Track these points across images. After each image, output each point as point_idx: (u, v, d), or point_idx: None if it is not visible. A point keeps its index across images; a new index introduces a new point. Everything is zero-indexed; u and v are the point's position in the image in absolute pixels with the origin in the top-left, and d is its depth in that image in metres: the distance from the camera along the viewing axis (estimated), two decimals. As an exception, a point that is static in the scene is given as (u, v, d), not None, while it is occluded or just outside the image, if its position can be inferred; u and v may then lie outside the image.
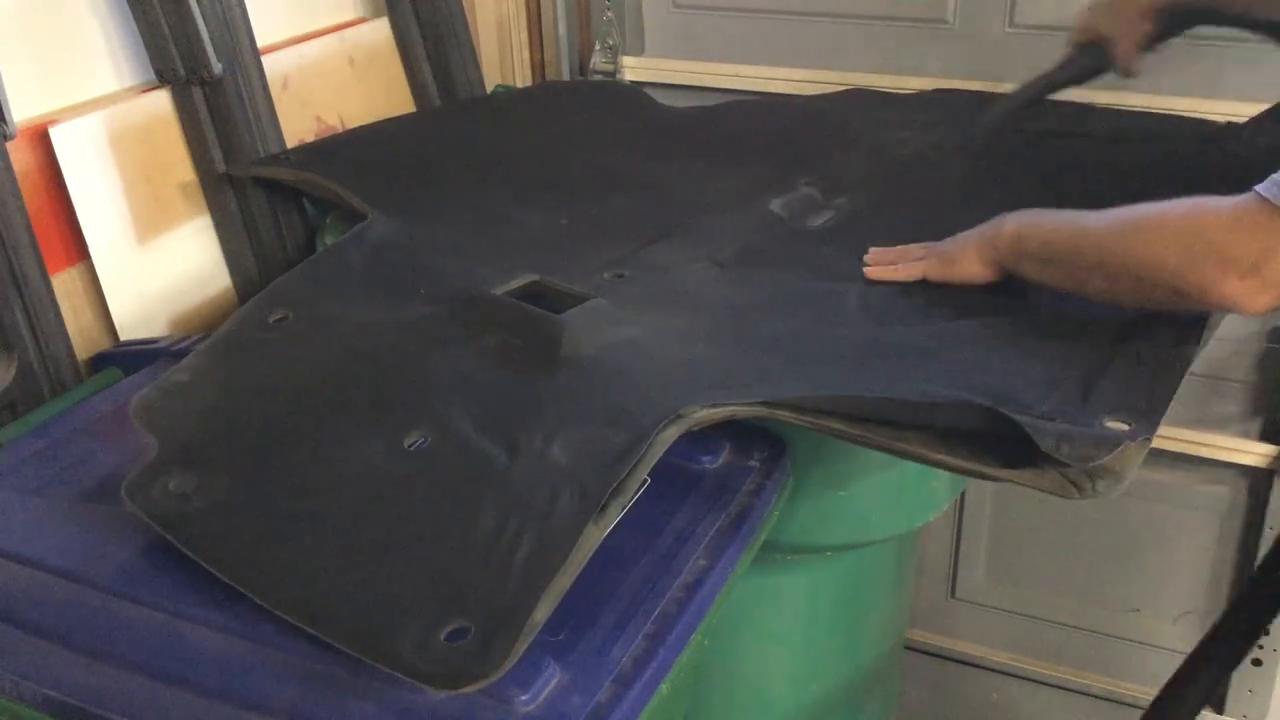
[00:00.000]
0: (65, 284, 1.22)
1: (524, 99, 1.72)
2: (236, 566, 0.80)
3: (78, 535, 0.89)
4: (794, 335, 1.04)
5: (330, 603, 0.77)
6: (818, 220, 1.28)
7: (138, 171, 1.30)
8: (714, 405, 0.89)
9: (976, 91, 1.57)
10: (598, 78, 1.85)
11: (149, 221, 1.31)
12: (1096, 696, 1.92)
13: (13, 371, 1.13)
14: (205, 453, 0.90)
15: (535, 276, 1.08)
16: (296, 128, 1.48)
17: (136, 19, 1.29)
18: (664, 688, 0.80)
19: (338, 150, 1.44)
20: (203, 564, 0.81)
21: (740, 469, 0.99)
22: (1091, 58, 1.35)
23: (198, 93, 1.33)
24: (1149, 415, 0.87)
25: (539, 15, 1.83)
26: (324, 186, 1.33)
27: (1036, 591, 1.95)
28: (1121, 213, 0.98)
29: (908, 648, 1.84)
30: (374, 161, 1.39)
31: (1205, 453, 1.69)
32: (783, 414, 0.89)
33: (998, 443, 0.84)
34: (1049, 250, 1.03)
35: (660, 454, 0.85)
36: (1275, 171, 0.89)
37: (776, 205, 1.30)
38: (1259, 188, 0.89)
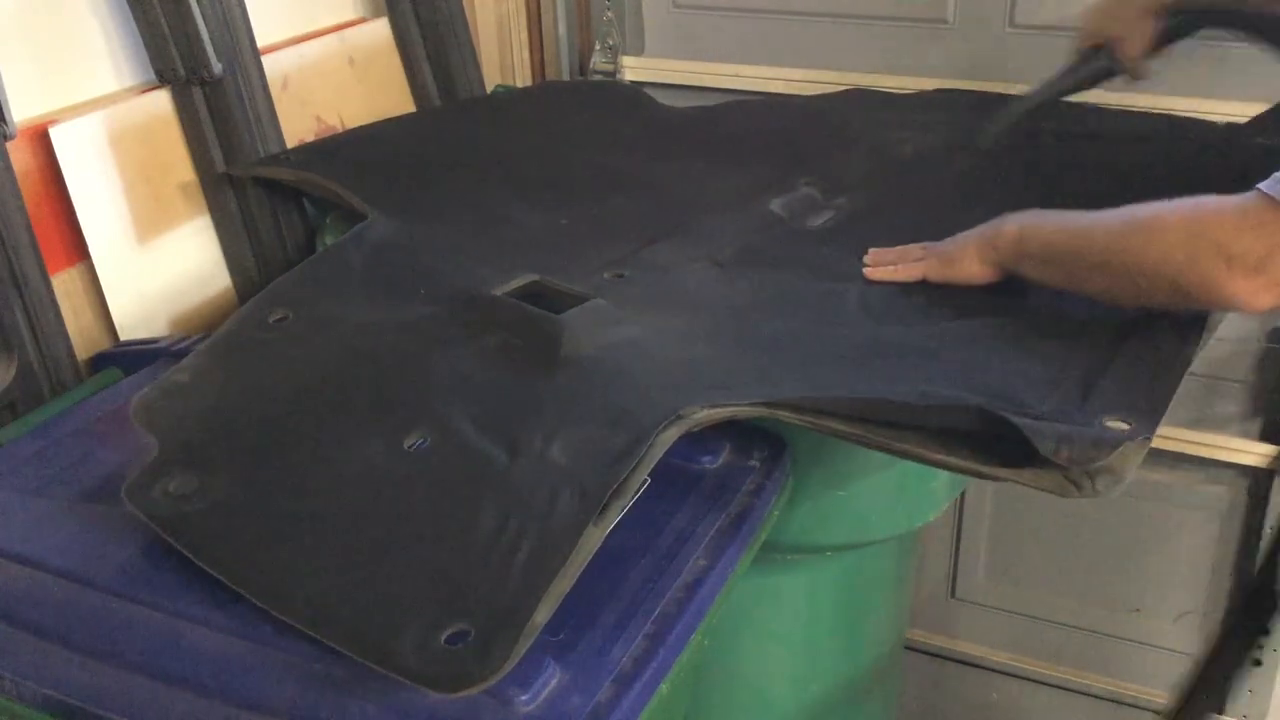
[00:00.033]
0: (65, 284, 1.22)
1: (524, 99, 1.72)
2: (236, 567, 0.80)
3: (78, 535, 0.89)
4: (794, 335, 1.04)
5: (330, 604, 0.77)
6: (818, 220, 1.28)
7: (138, 171, 1.29)
8: (714, 405, 0.89)
9: (976, 91, 1.57)
10: (598, 78, 1.85)
11: (149, 221, 1.31)
12: (1096, 696, 1.92)
13: (13, 371, 1.13)
14: (205, 453, 0.90)
15: (535, 276, 1.08)
16: (296, 128, 1.48)
17: (136, 19, 1.29)
18: (664, 688, 0.80)
19: (338, 150, 1.44)
20: (202, 565, 0.81)
21: (740, 469, 0.99)
22: (1097, 61, 1.34)
23: (198, 93, 1.33)
24: (1149, 415, 0.87)
25: (539, 15, 1.83)
26: (324, 186, 1.33)
27: (1036, 591, 1.95)
28: (1124, 212, 0.97)
29: (908, 648, 1.84)
30: (374, 161, 1.39)
31: (1205, 453, 1.69)
32: (783, 414, 0.89)
33: (997, 442, 0.84)
34: (1050, 250, 1.03)
35: (660, 454, 0.85)
36: (1277, 169, 0.89)
37: (776, 205, 1.30)
38: (1262, 185, 0.89)
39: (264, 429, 0.93)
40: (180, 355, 1.06)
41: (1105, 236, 0.98)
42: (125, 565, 0.85)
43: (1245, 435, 1.68)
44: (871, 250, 1.16)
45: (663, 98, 1.67)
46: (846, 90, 1.65)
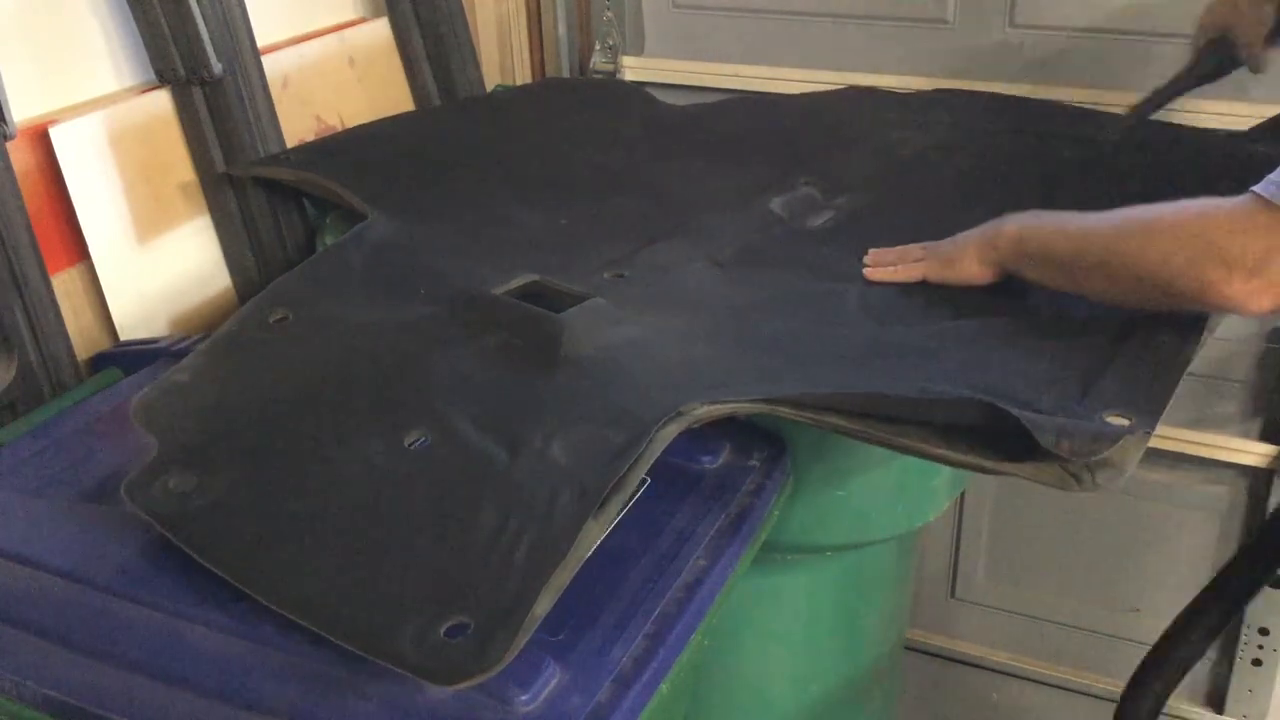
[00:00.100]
0: (65, 284, 1.22)
1: (524, 97, 1.72)
2: (237, 565, 0.80)
3: (78, 535, 0.89)
4: (794, 335, 1.04)
5: (330, 600, 0.77)
6: (818, 220, 1.28)
7: (138, 171, 1.30)
8: (714, 402, 0.89)
9: (976, 91, 1.57)
10: (598, 78, 1.85)
11: (149, 221, 1.31)
12: (1096, 696, 1.92)
13: (13, 371, 1.13)
14: (205, 453, 0.90)
15: (535, 276, 1.08)
16: (296, 128, 1.48)
17: (136, 19, 1.29)
18: (664, 688, 0.80)
19: (338, 150, 1.44)
20: (203, 563, 0.81)
21: (740, 469, 0.99)
22: (1217, 55, 1.34)
23: (198, 93, 1.33)
24: (1149, 412, 0.87)
25: (539, 15, 1.83)
26: (324, 186, 1.33)
27: (1036, 591, 1.95)
28: (1123, 214, 0.98)
29: (908, 648, 1.84)
30: (374, 161, 1.39)
31: (1205, 453, 1.69)
32: (783, 411, 0.89)
33: (998, 438, 0.84)
34: (1050, 251, 1.03)
35: (660, 451, 0.85)
36: (1271, 172, 0.89)
37: (776, 205, 1.30)
38: (1257, 188, 0.89)
39: (264, 428, 0.93)
40: (180, 355, 1.06)
41: (1104, 238, 0.98)
42: (125, 565, 0.85)
43: (1245, 435, 1.68)
44: (871, 251, 1.16)
45: (663, 98, 1.67)
46: (846, 90, 1.65)
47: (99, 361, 1.22)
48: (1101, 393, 0.90)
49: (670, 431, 0.86)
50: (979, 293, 1.08)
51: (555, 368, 0.96)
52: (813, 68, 1.73)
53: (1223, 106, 1.47)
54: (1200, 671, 1.81)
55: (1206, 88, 1.39)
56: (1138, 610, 1.87)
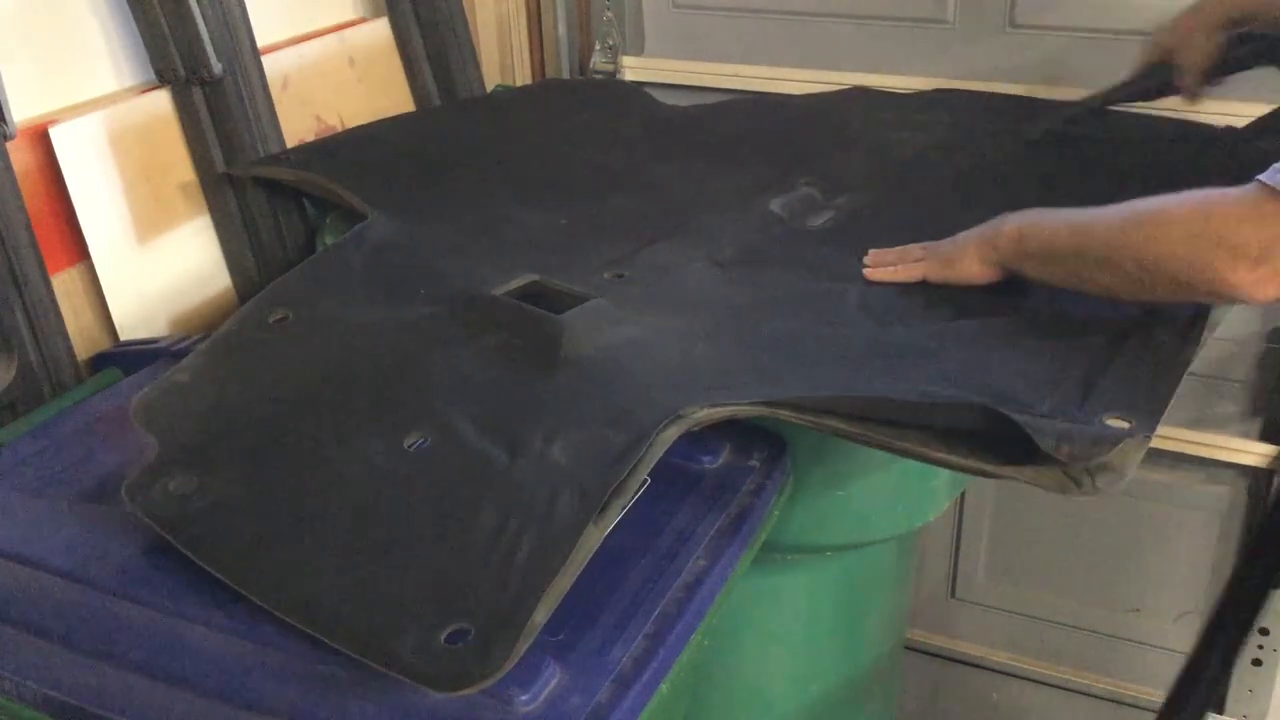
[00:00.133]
0: (65, 284, 1.22)
1: (524, 98, 1.72)
2: (236, 567, 0.80)
3: (78, 535, 0.89)
4: (794, 335, 1.04)
5: (330, 603, 0.77)
6: (818, 220, 1.28)
7: (138, 171, 1.29)
8: (714, 405, 0.89)
9: (976, 91, 1.57)
10: (598, 78, 1.85)
11: (149, 221, 1.31)
12: (1096, 696, 1.92)
13: (13, 371, 1.13)
14: (205, 453, 0.90)
15: (535, 276, 1.08)
16: (296, 128, 1.48)
17: (136, 19, 1.29)
18: (664, 688, 0.80)
19: (338, 150, 1.44)
20: (203, 564, 0.81)
21: (740, 469, 0.99)
22: (1157, 77, 1.34)
23: (198, 93, 1.33)
24: (1149, 414, 0.87)
25: (539, 15, 1.83)
26: (324, 186, 1.33)
27: (1036, 591, 1.95)
28: (1125, 208, 0.97)
29: (908, 648, 1.84)
30: (374, 161, 1.39)
31: (1205, 453, 1.69)
32: (783, 413, 0.89)
33: (999, 441, 0.84)
34: (1052, 248, 1.03)
35: (660, 454, 0.85)
36: (1276, 161, 0.89)
37: (776, 205, 1.30)
38: (1262, 176, 0.88)
39: (264, 429, 0.93)
40: (180, 355, 1.06)
41: (1106, 232, 0.98)
42: (125, 565, 0.85)
43: (1245, 435, 1.68)
44: (871, 251, 1.16)
45: (662, 98, 1.67)
46: (846, 90, 1.65)
47: (99, 361, 1.22)
48: (1102, 394, 0.90)
49: (670, 434, 0.86)
50: (979, 293, 1.08)
51: (555, 368, 0.96)
52: (813, 68, 1.73)
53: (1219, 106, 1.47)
54: (1200, 671, 1.82)
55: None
56: (1138, 610, 1.87)
